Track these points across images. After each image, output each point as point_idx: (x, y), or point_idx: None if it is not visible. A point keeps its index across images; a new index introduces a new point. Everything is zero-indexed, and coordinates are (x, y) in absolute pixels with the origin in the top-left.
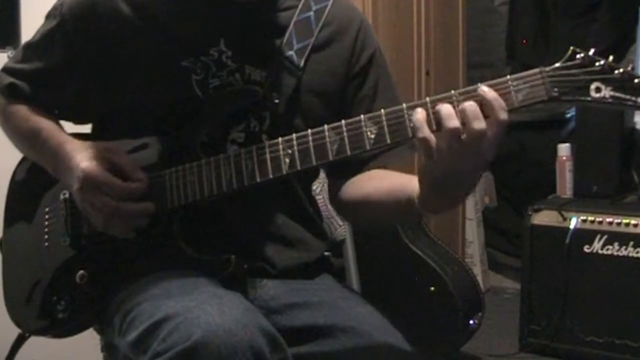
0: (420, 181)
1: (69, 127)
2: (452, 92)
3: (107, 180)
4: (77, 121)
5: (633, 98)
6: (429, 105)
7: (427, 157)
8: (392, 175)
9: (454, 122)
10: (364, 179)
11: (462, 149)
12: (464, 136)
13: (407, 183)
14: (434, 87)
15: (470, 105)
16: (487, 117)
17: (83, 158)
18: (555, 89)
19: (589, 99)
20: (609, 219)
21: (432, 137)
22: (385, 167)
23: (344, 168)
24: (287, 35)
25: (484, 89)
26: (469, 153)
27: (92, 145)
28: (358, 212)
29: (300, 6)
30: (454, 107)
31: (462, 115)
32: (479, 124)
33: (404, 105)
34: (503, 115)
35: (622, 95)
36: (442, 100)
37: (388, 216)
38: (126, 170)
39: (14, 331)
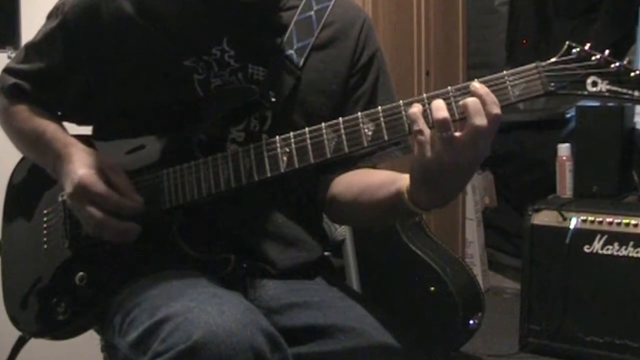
0: (411, 175)
1: (71, 128)
2: (449, 88)
3: (101, 191)
4: (80, 122)
5: (630, 92)
6: (425, 101)
7: (421, 151)
8: (381, 172)
9: (442, 113)
10: (354, 176)
11: (458, 144)
12: (464, 131)
13: (397, 178)
14: (434, 87)
15: (472, 101)
16: None
17: (83, 164)
18: (552, 84)
19: (585, 92)
20: (609, 219)
21: (427, 130)
22: (374, 166)
23: (335, 163)
24: (287, 34)
25: (476, 85)
26: (466, 148)
27: (95, 155)
28: (349, 208)
29: (301, 6)
30: (448, 103)
31: (464, 111)
32: (481, 120)
33: (401, 102)
34: (496, 110)
35: (619, 89)
36: (438, 96)
37: (378, 212)
38: (123, 190)
39: (15, 333)
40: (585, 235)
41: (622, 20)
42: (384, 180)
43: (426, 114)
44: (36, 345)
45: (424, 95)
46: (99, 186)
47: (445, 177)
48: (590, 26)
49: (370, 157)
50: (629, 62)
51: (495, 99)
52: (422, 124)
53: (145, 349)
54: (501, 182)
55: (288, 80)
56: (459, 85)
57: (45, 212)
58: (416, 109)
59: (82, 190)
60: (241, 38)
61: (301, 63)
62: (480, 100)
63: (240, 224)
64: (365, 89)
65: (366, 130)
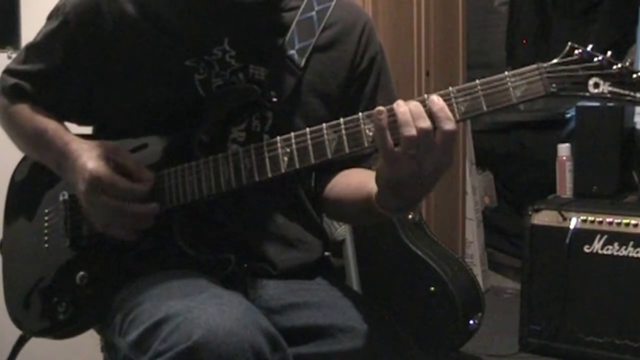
0: (377, 183)
1: (72, 128)
2: (450, 88)
3: (113, 180)
4: (81, 122)
5: (632, 93)
6: (426, 101)
7: (383, 164)
8: (359, 172)
9: (409, 130)
10: (339, 176)
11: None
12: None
13: (368, 181)
14: (434, 87)
15: (415, 106)
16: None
17: (89, 158)
18: (553, 85)
19: (587, 94)
20: (609, 219)
21: (390, 142)
22: (370, 167)
23: (334, 163)
24: (289, 34)
25: (433, 99)
26: (422, 158)
27: (98, 145)
28: (335, 208)
29: (302, 6)
30: (448, 103)
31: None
32: (409, 130)
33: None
34: (449, 126)
35: (621, 91)
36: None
37: (356, 212)
38: (132, 170)
39: (15, 332)
40: (585, 235)
41: (622, 20)
42: (360, 182)
43: (392, 126)
44: (36, 345)
45: (425, 96)
46: (111, 176)
47: (407, 185)
48: (590, 26)
49: (370, 157)
50: (631, 63)
51: (449, 115)
52: (388, 137)
53: (146, 349)
54: (501, 182)
55: (289, 80)
56: (441, 92)
57: (46, 211)
58: (384, 121)
59: (95, 184)
60: (242, 38)
61: (302, 63)
62: (434, 116)
63: (241, 224)
64: (367, 93)
65: (367, 131)
